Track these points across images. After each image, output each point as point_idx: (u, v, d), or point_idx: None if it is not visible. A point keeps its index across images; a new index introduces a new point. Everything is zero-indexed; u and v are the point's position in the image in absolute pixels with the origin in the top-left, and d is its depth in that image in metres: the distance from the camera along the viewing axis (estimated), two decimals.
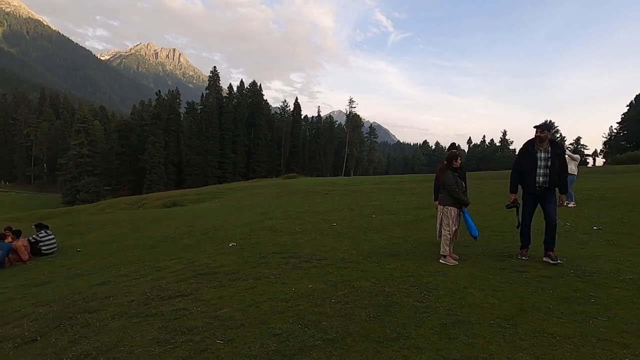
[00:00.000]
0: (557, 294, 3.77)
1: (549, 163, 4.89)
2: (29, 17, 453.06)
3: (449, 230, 5.20)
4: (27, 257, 8.24)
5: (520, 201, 5.23)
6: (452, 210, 5.26)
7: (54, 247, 9.04)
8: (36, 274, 6.99)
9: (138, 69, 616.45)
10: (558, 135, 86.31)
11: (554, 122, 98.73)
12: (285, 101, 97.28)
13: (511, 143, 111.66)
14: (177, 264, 6.21)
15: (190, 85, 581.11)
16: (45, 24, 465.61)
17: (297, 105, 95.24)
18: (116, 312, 3.95)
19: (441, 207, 5.36)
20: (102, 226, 13.96)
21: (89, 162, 74.52)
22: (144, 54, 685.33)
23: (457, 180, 5.30)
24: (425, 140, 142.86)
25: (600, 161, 73.18)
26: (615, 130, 74.89)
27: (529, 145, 5.15)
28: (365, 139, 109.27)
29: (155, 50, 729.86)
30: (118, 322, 3.65)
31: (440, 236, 5.36)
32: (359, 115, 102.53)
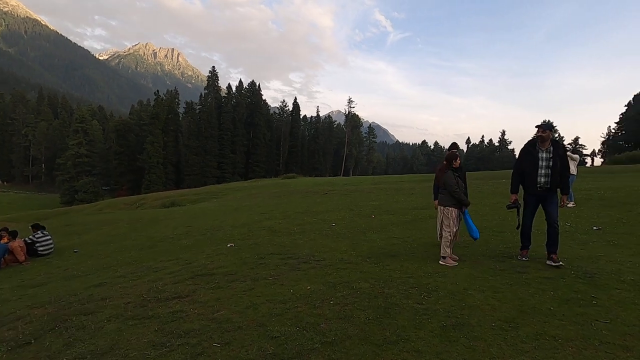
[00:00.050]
0: (558, 295, 3.74)
1: (551, 163, 4.83)
2: (27, 16, 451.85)
3: (449, 232, 5.15)
4: (23, 258, 8.17)
5: (521, 202, 5.17)
6: (453, 211, 5.21)
7: (51, 248, 8.97)
8: (32, 275, 6.93)
9: (137, 69, 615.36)
10: (556, 135, 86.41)
11: (552, 122, 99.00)
12: (284, 101, 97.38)
13: (510, 143, 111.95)
14: (175, 265, 6.16)
15: (189, 85, 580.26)
16: (44, 23, 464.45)
17: (296, 105, 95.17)
18: (112, 314, 3.90)
19: (441, 207, 5.31)
20: (99, 226, 13.90)
21: (87, 162, 74.35)
22: (143, 54, 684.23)
23: (458, 180, 5.26)
24: (424, 140, 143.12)
25: (598, 161, 73.39)
26: (613, 130, 75.03)
27: (530, 145, 5.09)
28: (364, 139, 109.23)
29: (153, 50, 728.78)
30: (114, 325, 3.60)
31: (441, 237, 5.30)
32: (357, 115, 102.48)
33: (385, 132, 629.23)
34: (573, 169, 9.86)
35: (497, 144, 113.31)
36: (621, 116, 72.40)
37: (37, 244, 8.67)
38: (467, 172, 6.19)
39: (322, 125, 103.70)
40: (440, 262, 5.17)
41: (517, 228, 5.24)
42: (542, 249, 5.34)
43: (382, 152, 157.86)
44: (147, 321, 3.61)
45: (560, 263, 4.69)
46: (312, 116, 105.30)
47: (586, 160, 70.39)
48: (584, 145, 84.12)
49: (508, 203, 5.24)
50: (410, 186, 20.90)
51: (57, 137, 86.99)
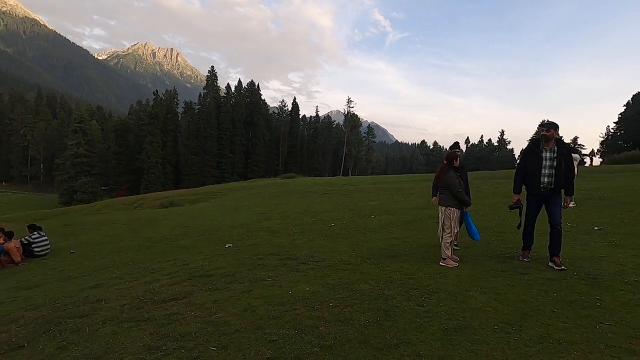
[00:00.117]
0: (561, 297, 3.67)
1: (555, 163, 4.70)
2: (26, 16, 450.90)
3: (449, 233, 5.08)
4: (19, 258, 8.09)
5: (523, 202, 5.07)
6: (455, 212, 5.14)
7: (47, 249, 8.89)
8: (28, 276, 6.85)
9: (135, 69, 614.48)
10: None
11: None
12: (283, 101, 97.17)
13: (509, 143, 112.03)
14: (172, 266, 6.09)
15: (188, 85, 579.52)
16: (42, 23, 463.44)
17: (295, 105, 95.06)
18: (107, 316, 3.84)
19: (443, 208, 5.21)
20: (97, 227, 13.80)
21: (86, 162, 74.08)
22: (142, 54, 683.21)
23: (459, 180, 5.19)
24: (424, 140, 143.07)
25: (597, 161, 73.41)
26: (612, 130, 75.10)
27: (534, 144, 4.98)
28: (364, 139, 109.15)
29: (152, 50, 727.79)
30: (109, 328, 3.53)
31: (441, 237, 5.23)
32: (357, 115, 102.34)
33: (384, 132, 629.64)
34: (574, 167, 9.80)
35: (496, 144, 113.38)
36: (620, 116, 72.47)
37: (34, 245, 8.59)
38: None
39: (322, 125, 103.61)
40: (440, 263, 5.10)
41: (518, 227, 5.15)
42: (543, 250, 5.27)
43: (381, 152, 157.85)
44: (143, 324, 3.54)
45: (563, 267, 4.56)
46: (311, 116, 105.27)
47: (585, 160, 70.40)
48: (583, 145, 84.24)
49: (510, 203, 5.13)
50: (409, 186, 20.84)
51: (55, 137, 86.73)
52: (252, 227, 9.91)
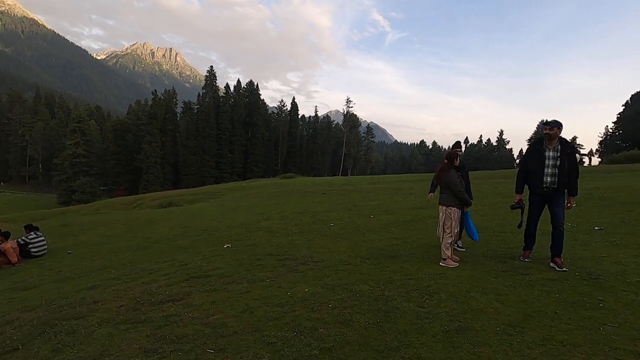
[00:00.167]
0: (563, 297, 3.63)
1: (558, 162, 4.61)
2: (24, 16, 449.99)
3: (450, 233, 5.03)
4: (15, 259, 8.02)
5: (526, 202, 5.00)
6: (456, 212, 5.09)
7: (44, 249, 8.82)
8: (24, 277, 6.79)
9: (134, 69, 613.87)
10: None
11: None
12: (282, 101, 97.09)
13: (508, 143, 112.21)
14: (170, 266, 6.03)
15: (187, 85, 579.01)
16: (41, 23, 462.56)
17: (294, 105, 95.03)
18: (103, 318, 3.78)
19: (444, 208, 5.15)
20: (95, 227, 13.74)
21: (85, 162, 73.94)
22: (140, 54, 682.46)
23: (461, 180, 5.14)
24: (423, 140, 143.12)
25: (595, 160, 73.55)
26: (611, 130, 75.23)
27: (537, 143, 4.88)
28: (363, 139, 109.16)
29: (151, 50, 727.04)
30: (105, 330, 3.48)
31: (442, 237, 5.16)
32: (356, 115, 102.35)
33: (383, 131, 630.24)
34: None
35: (495, 144, 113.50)
36: (619, 116, 72.57)
37: (30, 245, 8.52)
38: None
39: (321, 125, 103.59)
40: (440, 263, 5.06)
41: (518, 227, 5.09)
42: (544, 250, 5.24)
43: (381, 152, 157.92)
44: (140, 326, 3.49)
45: (565, 269, 4.50)
46: (310, 116, 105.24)
47: (584, 160, 70.54)
48: (582, 145, 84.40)
49: (512, 203, 5.06)
50: (408, 186, 20.81)
51: (54, 137, 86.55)
52: (251, 227, 9.86)
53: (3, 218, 26.51)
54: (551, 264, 4.69)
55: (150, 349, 2.96)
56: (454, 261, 5.05)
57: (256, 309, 3.68)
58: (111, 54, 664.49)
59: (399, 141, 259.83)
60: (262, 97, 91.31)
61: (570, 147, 4.71)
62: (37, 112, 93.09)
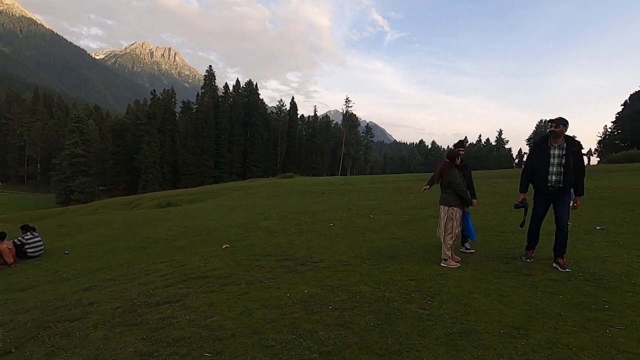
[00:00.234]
0: (567, 299, 3.56)
1: (563, 161, 4.51)
2: (22, 15, 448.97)
3: (451, 234, 4.96)
4: (11, 260, 7.93)
5: (530, 202, 4.90)
6: (458, 212, 5.02)
7: (41, 250, 8.73)
8: (20, 278, 6.70)
9: (133, 68, 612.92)
10: None
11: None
12: (281, 100, 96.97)
13: (507, 142, 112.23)
14: (168, 267, 5.96)
15: (186, 85, 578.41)
16: (39, 22, 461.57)
17: (293, 104, 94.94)
18: (99, 320, 3.70)
19: (446, 208, 5.06)
20: (93, 227, 13.64)
21: (83, 162, 73.79)
22: (139, 53, 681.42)
23: (463, 179, 5.07)
24: (422, 140, 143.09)
25: (594, 160, 73.53)
26: (609, 130, 75.26)
27: (542, 140, 4.77)
28: (362, 139, 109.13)
29: (150, 50, 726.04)
30: (100, 332, 3.40)
31: (444, 238, 5.07)
32: (355, 115, 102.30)
33: (382, 131, 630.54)
34: None
35: (494, 144, 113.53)
36: (617, 115, 72.60)
37: (27, 246, 8.43)
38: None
39: (320, 124, 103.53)
40: (441, 264, 4.99)
41: (521, 226, 5.01)
42: (546, 250, 5.18)
43: (380, 152, 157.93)
44: (135, 328, 3.41)
45: (568, 269, 4.43)
46: (309, 116, 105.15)
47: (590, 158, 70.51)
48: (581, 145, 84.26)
49: (516, 202, 4.96)
50: (408, 185, 20.75)
51: (52, 137, 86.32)
52: (250, 227, 9.79)
53: (1, 218, 26.42)
54: (554, 265, 4.62)
55: (145, 353, 2.89)
56: (455, 261, 4.98)
57: (254, 310, 3.61)
58: (110, 54, 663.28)
59: (398, 141, 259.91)
60: (261, 97, 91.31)
61: (577, 145, 4.58)
62: (36, 111, 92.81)
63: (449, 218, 4.99)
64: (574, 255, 5.02)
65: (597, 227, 6.99)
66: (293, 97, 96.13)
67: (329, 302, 3.73)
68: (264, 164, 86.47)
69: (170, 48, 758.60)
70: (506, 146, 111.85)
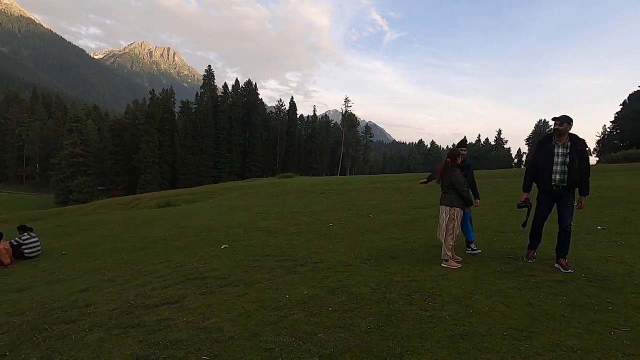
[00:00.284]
0: (570, 300, 3.51)
1: (567, 159, 4.42)
2: (21, 15, 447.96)
3: (452, 235, 4.91)
4: (8, 260, 7.87)
5: (533, 201, 4.81)
6: (460, 212, 4.96)
7: (38, 250, 8.66)
8: (17, 279, 6.64)
9: (132, 68, 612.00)
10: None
11: (548, 121, 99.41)
12: (280, 100, 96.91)
13: (506, 142, 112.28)
14: (166, 267, 5.90)
15: (185, 85, 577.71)
16: (37, 22, 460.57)
17: (292, 104, 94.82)
18: (95, 322, 3.65)
19: (448, 208, 4.98)
20: (91, 227, 13.57)
21: (82, 162, 73.61)
22: (138, 53, 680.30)
23: (465, 179, 5.01)
24: (421, 140, 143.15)
25: (593, 160, 73.59)
26: (608, 129, 75.32)
27: (546, 139, 4.68)
28: (361, 138, 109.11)
29: (149, 49, 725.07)
30: (96, 335, 3.35)
31: (445, 238, 4.99)
32: (354, 115, 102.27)
33: (382, 131, 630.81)
34: None
35: (493, 143, 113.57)
36: (616, 115, 72.67)
37: (24, 246, 8.36)
38: None
39: (319, 124, 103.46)
40: (442, 264, 4.94)
41: (523, 226, 4.93)
42: (548, 250, 5.14)
43: (379, 152, 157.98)
44: (132, 330, 3.36)
45: (570, 270, 4.36)
46: (308, 115, 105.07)
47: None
48: None
49: (519, 202, 4.88)
50: (407, 185, 20.71)
51: (51, 137, 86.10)
52: (249, 227, 9.73)
53: (0, 218, 26.30)
54: (556, 265, 4.57)
55: (142, 356, 2.83)
56: (456, 262, 4.93)
57: (253, 312, 3.55)
58: (109, 54, 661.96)
59: (397, 141, 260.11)
60: (260, 97, 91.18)
61: (581, 144, 4.49)
62: (34, 111, 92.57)
63: (450, 218, 4.93)
64: (575, 256, 4.97)
65: (599, 227, 6.95)
66: (292, 97, 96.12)
67: (329, 303, 3.68)
68: (263, 164, 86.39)
69: (169, 48, 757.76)
70: (505, 146, 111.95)
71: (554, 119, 4.56)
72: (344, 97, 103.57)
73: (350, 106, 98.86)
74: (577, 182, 4.46)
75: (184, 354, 2.81)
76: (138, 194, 46.12)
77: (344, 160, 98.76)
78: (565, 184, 4.48)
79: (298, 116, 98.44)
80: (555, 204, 4.66)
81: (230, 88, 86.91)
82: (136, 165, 70.39)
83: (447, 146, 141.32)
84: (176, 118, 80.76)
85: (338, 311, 3.47)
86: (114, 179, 74.20)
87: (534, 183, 4.82)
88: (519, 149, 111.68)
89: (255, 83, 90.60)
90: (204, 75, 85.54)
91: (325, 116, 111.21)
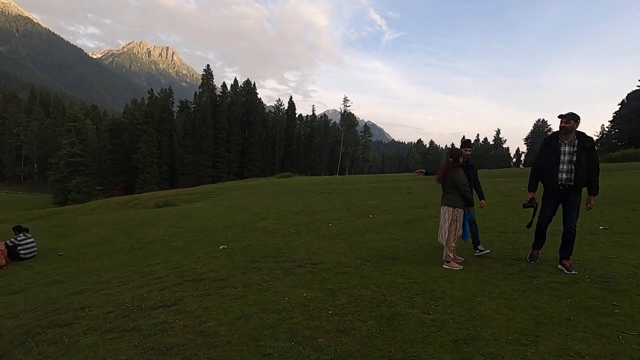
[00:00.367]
0: (575, 302, 3.44)
1: (574, 158, 4.30)
2: (19, 14, 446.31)
3: (454, 236, 4.83)
4: (4, 262, 7.77)
5: (539, 201, 4.70)
6: (462, 213, 4.88)
7: (34, 251, 8.56)
8: (12, 281, 6.54)
9: (131, 68, 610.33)
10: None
11: (547, 121, 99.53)
12: (279, 100, 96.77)
13: (505, 142, 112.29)
14: (163, 269, 5.82)
15: (184, 84, 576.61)
16: (36, 21, 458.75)
17: (291, 104, 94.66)
18: (90, 326, 3.57)
19: (450, 209, 4.88)
20: (88, 228, 13.46)
21: (80, 162, 73.36)
22: (137, 53, 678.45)
23: (467, 180, 4.92)
24: (420, 139, 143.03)
25: None
26: (607, 129, 75.40)
27: (552, 137, 4.56)
28: (360, 138, 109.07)
29: (148, 49, 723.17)
30: (90, 339, 3.27)
31: (446, 240, 4.90)
32: (353, 114, 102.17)
33: (380, 130, 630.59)
34: None
35: (492, 143, 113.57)
36: (615, 115, 72.74)
37: (19, 247, 8.26)
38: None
39: (318, 124, 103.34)
40: (444, 265, 4.86)
41: (528, 227, 4.82)
42: (551, 251, 5.07)
43: (378, 151, 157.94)
44: (127, 334, 3.28)
45: (574, 271, 4.28)
46: (307, 115, 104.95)
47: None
48: None
49: (524, 202, 4.78)
50: (407, 185, 20.64)
51: (49, 137, 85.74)
52: (248, 228, 9.65)
53: None
54: (559, 266, 4.48)
55: None
56: (457, 263, 4.86)
57: (251, 315, 3.47)
58: (107, 53, 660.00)
59: (396, 140, 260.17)
60: (259, 96, 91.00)
61: (589, 142, 4.36)
62: (32, 111, 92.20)
63: (453, 220, 4.84)
64: (578, 257, 4.90)
65: (600, 227, 6.88)
66: (291, 97, 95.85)
67: (329, 306, 3.60)
68: (262, 164, 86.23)
69: (167, 47, 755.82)
70: (504, 145, 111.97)
71: (560, 116, 4.42)
72: (343, 97, 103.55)
73: (349, 106, 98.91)
74: (584, 182, 4.35)
75: (181, 359, 2.73)
76: (136, 194, 45.93)
77: (343, 160, 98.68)
78: (572, 183, 4.36)
79: (297, 116, 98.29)
80: (561, 204, 4.55)
81: (229, 88, 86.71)
82: (135, 165, 70.18)
83: (446, 145, 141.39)
84: (175, 118, 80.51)
85: (338, 314, 3.39)
86: (112, 178, 73.95)
87: (539, 182, 4.70)
88: (518, 149, 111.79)
89: (254, 82, 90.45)
90: (202, 74, 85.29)
91: (324, 116, 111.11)
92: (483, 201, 5.60)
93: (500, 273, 4.45)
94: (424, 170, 5.63)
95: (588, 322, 3.04)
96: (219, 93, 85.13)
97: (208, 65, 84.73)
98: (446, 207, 4.94)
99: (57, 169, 71.86)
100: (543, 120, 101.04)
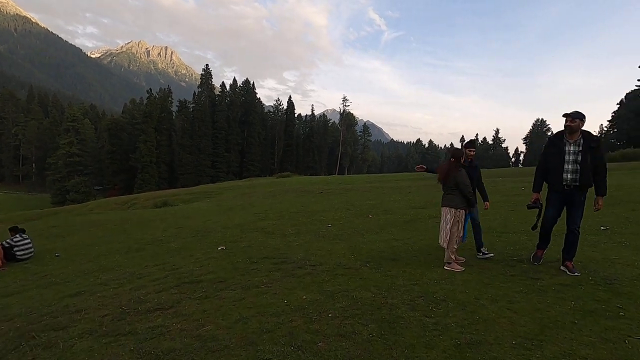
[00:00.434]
0: (579, 305, 3.38)
1: (579, 158, 4.22)
2: (17, 13, 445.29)
3: (456, 238, 4.77)
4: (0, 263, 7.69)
5: (544, 201, 4.63)
6: (464, 214, 4.83)
7: (31, 252, 8.47)
8: (7, 282, 6.45)
9: (129, 67, 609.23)
10: (550, 134, 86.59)
11: (545, 121, 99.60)
12: (278, 99, 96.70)
13: (503, 141, 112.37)
14: (161, 270, 5.75)
15: (183, 84, 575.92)
16: (34, 21, 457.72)
17: (290, 103, 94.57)
18: (85, 329, 3.50)
19: (452, 210, 4.80)
20: (86, 228, 13.37)
21: (79, 162, 73.18)
22: (136, 52, 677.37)
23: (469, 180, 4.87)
24: (419, 139, 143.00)
25: None
26: (606, 129, 75.49)
27: (557, 137, 4.48)
28: (359, 138, 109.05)
29: (146, 49, 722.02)
30: (85, 343, 3.20)
31: (448, 242, 4.83)
32: (352, 114, 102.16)
33: (380, 130, 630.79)
34: None
35: (491, 142, 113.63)
36: (613, 114, 72.83)
37: (16, 248, 8.17)
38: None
39: (317, 123, 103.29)
40: (445, 267, 4.80)
41: (533, 229, 4.74)
42: (552, 252, 5.01)
43: (377, 151, 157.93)
44: (123, 338, 3.21)
45: (577, 273, 4.21)
46: (306, 115, 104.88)
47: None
48: None
49: (529, 202, 4.69)
50: (406, 184, 20.59)
51: (47, 136, 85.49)
52: (247, 228, 9.58)
53: None
54: (562, 268, 4.42)
55: None
56: (459, 264, 4.80)
57: (250, 319, 3.41)
58: (106, 53, 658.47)
59: (395, 140, 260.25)
60: (258, 96, 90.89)
61: (595, 141, 4.26)
62: (31, 111, 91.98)
63: (455, 221, 4.76)
64: (580, 258, 4.83)
65: (601, 227, 6.84)
66: (290, 96, 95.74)
67: (329, 309, 3.54)
68: (261, 163, 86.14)
69: (166, 47, 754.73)
70: (503, 145, 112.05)
71: (565, 115, 4.32)
72: (342, 97, 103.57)
73: (349, 105, 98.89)
74: (590, 182, 4.26)
75: None
76: (135, 194, 45.79)
77: (342, 160, 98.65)
78: (577, 184, 4.27)
79: (296, 115, 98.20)
80: (565, 205, 4.47)
81: (228, 87, 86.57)
82: (133, 165, 70.02)
83: (445, 145, 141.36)
84: (174, 117, 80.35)
85: (338, 318, 3.33)
86: (111, 178, 73.79)
87: (544, 183, 4.62)
88: (517, 148, 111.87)
89: (253, 82, 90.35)
90: (201, 74, 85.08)
91: (323, 115, 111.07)
92: (487, 202, 5.53)
93: (502, 275, 4.39)
94: (424, 167, 5.54)
95: (593, 325, 2.98)
96: (218, 93, 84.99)
97: (207, 64, 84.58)
98: (448, 208, 4.87)
99: (55, 168, 71.66)
100: (542, 119, 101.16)
